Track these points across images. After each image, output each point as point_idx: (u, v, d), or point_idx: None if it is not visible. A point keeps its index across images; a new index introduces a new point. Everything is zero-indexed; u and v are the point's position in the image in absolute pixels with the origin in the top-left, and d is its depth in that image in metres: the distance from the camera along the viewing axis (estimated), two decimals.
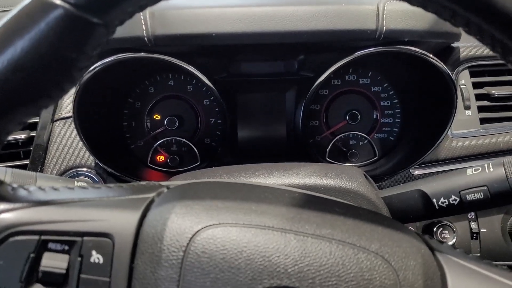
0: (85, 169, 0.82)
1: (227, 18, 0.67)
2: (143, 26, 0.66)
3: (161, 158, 0.93)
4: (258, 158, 0.92)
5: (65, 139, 0.80)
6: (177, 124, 0.90)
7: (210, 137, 0.94)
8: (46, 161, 0.79)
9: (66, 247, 0.36)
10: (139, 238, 0.37)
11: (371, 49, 0.73)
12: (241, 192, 0.44)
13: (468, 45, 0.88)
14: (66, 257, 0.35)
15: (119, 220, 0.38)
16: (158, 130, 0.92)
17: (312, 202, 0.44)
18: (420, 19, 0.70)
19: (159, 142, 0.92)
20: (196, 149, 0.93)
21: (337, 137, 0.93)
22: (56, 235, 0.36)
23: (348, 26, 0.67)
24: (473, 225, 0.82)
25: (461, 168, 0.85)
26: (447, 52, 0.86)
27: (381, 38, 0.68)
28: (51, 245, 0.36)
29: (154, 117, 0.92)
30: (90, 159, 0.81)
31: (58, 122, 0.80)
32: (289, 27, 0.67)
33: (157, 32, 0.66)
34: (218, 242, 0.36)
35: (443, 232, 0.81)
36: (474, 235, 0.82)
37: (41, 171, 0.79)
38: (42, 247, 0.35)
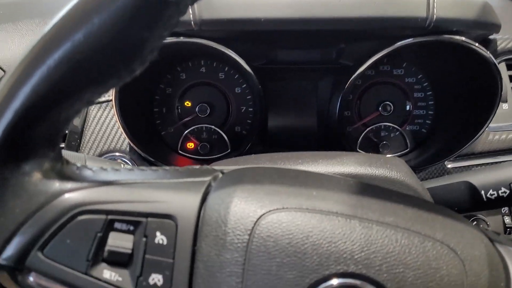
0: (118, 153, 0.82)
1: (276, 3, 0.66)
2: (190, 10, 0.65)
3: (191, 145, 0.93)
4: (288, 148, 0.92)
5: (100, 124, 0.80)
6: (208, 111, 0.89)
7: (241, 125, 0.93)
8: (81, 145, 0.79)
9: (132, 228, 0.36)
10: (201, 220, 0.37)
11: (418, 39, 0.71)
12: (298, 178, 0.43)
13: (506, 38, 0.86)
14: (131, 237, 0.35)
15: (181, 203, 0.37)
16: (188, 118, 0.92)
17: (369, 190, 0.44)
18: (468, 8, 0.68)
19: (189, 129, 0.92)
20: (226, 137, 0.92)
21: (369, 128, 0.92)
22: (122, 215, 0.36)
23: (398, 14, 0.66)
24: (507, 220, 0.81)
25: (497, 162, 0.85)
26: (483, 44, 0.84)
27: (430, 27, 0.67)
28: (117, 225, 0.35)
29: (185, 104, 0.92)
30: (124, 144, 0.81)
31: (93, 106, 0.80)
32: (339, 13, 0.65)
33: (204, 17, 0.66)
34: (284, 226, 0.36)
35: None
36: (508, 229, 0.81)
37: None
38: (108, 227, 0.35)
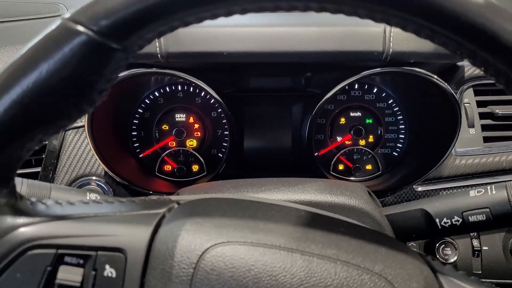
0: (94, 177, 0.83)
1: (238, 37, 0.69)
2: (157, 43, 0.68)
3: (168, 168, 0.95)
4: (263, 170, 0.94)
5: (76, 148, 0.82)
6: (184, 135, 0.92)
7: (217, 148, 0.95)
8: (57, 169, 0.81)
9: (81, 261, 0.37)
10: (151, 253, 0.38)
11: (377, 70, 0.74)
12: (249, 210, 0.45)
13: None
14: (81, 270, 0.36)
15: (131, 236, 0.39)
16: (166, 141, 0.94)
17: (317, 221, 0.45)
18: (426, 41, 0.71)
19: (166, 152, 0.94)
20: (202, 159, 0.94)
21: (342, 151, 0.95)
22: (72, 249, 0.37)
23: (356, 48, 0.69)
24: (475, 243, 0.82)
25: (464, 186, 0.87)
26: (452, 70, 0.87)
27: (387, 60, 0.69)
28: (67, 259, 0.37)
29: (163, 127, 0.94)
30: (100, 168, 0.83)
31: (70, 131, 0.82)
32: (298, 47, 0.68)
33: (170, 50, 0.68)
34: (227, 260, 0.37)
35: (445, 249, 0.81)
36: (476, 252, 0.82)
37: (52, 178, 0.81)
38: (58, 261, 0.36)
